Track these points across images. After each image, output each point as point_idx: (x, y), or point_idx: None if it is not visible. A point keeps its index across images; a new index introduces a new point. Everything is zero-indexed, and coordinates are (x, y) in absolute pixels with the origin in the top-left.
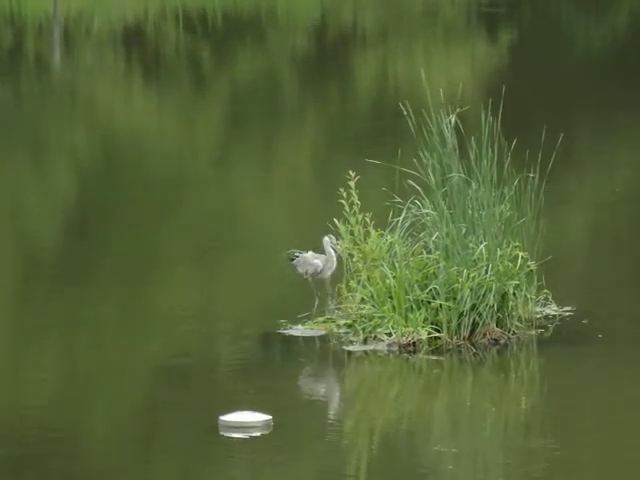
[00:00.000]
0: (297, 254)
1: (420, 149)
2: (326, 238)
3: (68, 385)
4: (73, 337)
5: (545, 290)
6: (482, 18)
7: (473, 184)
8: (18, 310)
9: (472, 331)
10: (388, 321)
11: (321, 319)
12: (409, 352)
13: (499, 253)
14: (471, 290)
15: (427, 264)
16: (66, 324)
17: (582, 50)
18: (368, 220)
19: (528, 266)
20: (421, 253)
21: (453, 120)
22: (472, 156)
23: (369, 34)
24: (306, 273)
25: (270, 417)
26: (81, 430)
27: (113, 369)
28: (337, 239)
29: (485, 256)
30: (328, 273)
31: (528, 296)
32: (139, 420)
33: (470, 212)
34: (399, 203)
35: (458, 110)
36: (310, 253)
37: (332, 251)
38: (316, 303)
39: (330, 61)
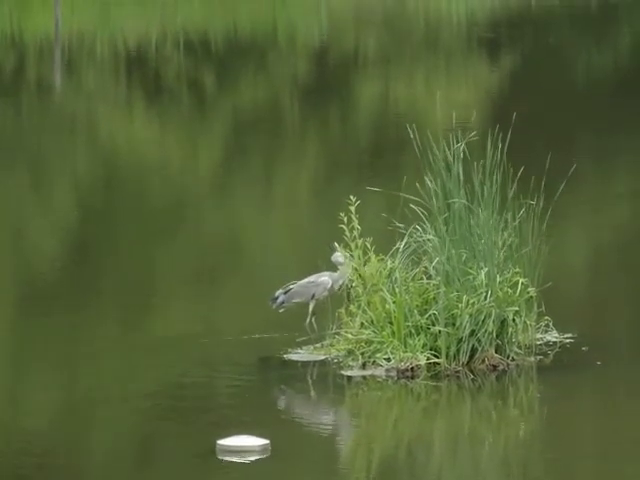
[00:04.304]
0: (280, 293)
1: (424, 173)
2: (337, 253)
3: (66, 409)
4: (71, 361)
5: (546, 317)
6: (482, 43)
7: (475, 210)
8: (16, 334)
9: (471, 357)
10: (387, 346)
11: (320, 344)
12: (407, 377)
13: (499, 279)
14: (470, 316)
15: (427, 289)
16: (64, 349)
17: (583, 73)
18: (368, 245)
19: (528, 292)
20: (421, 278)
21: (461, 147)
22: (476, 182)
23: (370, 59)
24: (313, 297)
25: (268, 441)
26: (79, 454)
27: (111, 392)
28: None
29: (485, 282)
30: (340, 282)
31: (528, 322)
32: (137, 443)
33: (472, 238)
34: (400, 228)
35: (466, 139)
36: (307, 278)
37: (342, 262)
38: (314, 329)
39: (331, 85)
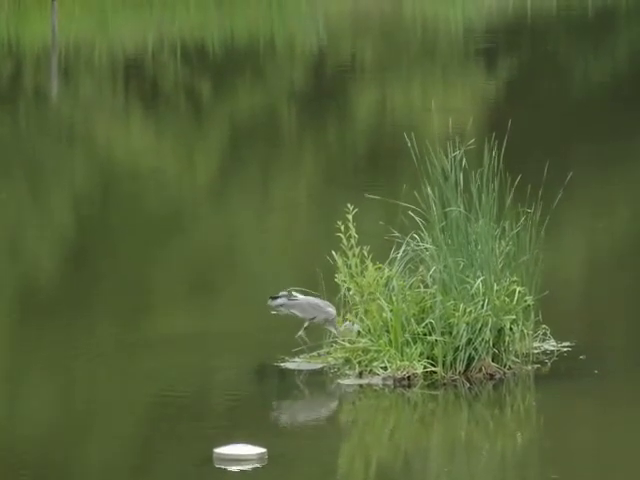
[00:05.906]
0: (283, 296)
1: (422, 182)
2: (354, 326)
3: (63, 416)
4: (69, 368)
5: (543, 325)
6: (479, 51)
7: (473, 218)
8: (14, 341)
9: (468, 366)
10: (384, 355)
11: (317, 352)
12: (404, 386)
13: (496, 288)
14: (467, 324)
15: (424, 298)
16: (62, 355)
17: (580, 81)
18: (366, 253)
19: (525, 301)
20: (418, 287)
21: (459, 156)
22: (474, 191)
23: (368, 67)
24: (312, 319)
25: (265, 450)
26: (76, 461)
27: (108, 400)
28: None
29: (482, 291)
30: (329, 326)
31: (525, 331)
32: (134, 451)
33: (469, 246)
34: (398, 237)
35: (464, 148)
36: (315, 300)
37: (351, 329)
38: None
39: (329, 93)
